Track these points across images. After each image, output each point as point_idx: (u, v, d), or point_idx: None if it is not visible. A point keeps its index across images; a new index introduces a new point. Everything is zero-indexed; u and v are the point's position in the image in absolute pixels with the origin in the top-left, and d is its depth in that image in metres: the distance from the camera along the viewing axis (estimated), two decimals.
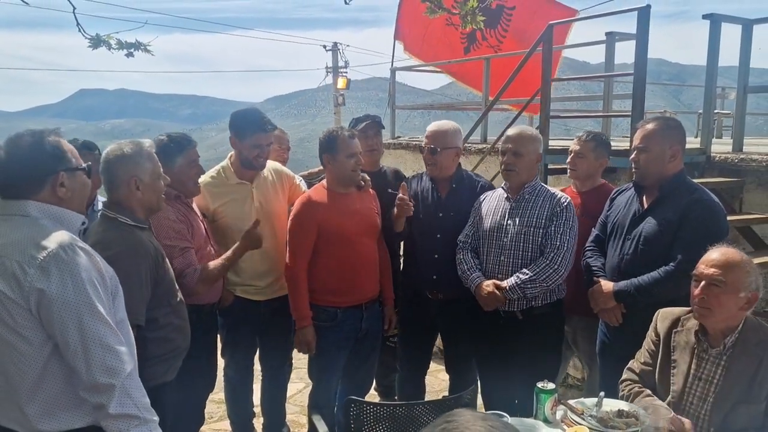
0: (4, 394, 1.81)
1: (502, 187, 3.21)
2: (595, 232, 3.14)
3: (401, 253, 3.66)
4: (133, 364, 1.84)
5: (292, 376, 4.18)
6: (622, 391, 2.42)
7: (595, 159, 3.47)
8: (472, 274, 3.12)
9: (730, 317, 2.18)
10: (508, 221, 3.07)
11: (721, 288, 2.15)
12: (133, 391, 1.80)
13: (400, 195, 3.23)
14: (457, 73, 8.61)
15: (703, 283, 2.19)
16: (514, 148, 3.09)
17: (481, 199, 3.27)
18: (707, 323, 2.23)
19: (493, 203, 3.19)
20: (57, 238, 1.78)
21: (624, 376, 2.48)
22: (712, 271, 2.17)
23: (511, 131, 3.22)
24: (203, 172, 3.11)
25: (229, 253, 2.97)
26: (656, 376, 2.36)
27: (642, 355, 2.45)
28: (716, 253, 2.20)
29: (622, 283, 2.83)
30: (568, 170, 3.52)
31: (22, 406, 1.78)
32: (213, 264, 2.93)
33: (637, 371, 2.43)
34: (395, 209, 3.26)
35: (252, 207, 3.31)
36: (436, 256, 3.29)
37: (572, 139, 3.65)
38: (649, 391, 2.33)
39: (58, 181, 1.87)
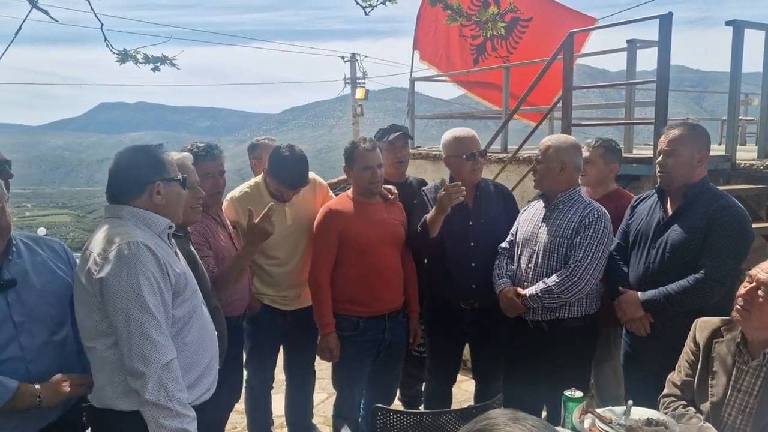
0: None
1: (540, 196, 3.22)
2: (616, 241, 3.10)
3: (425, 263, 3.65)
4: (173, 356, 1.97)
5: (315, 386, 4.18)
6: (665, 407, 2.36)
7: (604, 165, 3.49)
8: (499, 279, 3.14)
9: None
10: (540, 229, 3.06)
11: (765, 296, 2.12)
12: (169, 384, 1.94)
13: (446, 185, 3.07)
14: (469, 85, 8.62)
15: (753, 284, 2.17)
16: (537, 154, 3.11)
17: (525, 208, 3.29)
18: (744, 327, 2.21)
19: (532, 212, 3.19)
20: (127, 236, 1.99)
21: (666, 390, 2.43)
22: (765, 276, 2.14)
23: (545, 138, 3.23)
24: (221, 186, 3.12)
25: (239, 251, 2.95)
26: (695, 387, 2.32)
27: (682, 365, 2.41)
28: None
29: (651, 293, 2.80)
30: (579, 177, 3.53)
31: (98, 379, 2.03)
32: (223, 268, 2.92)
33: (679, 383, 2.38)
34: (436, 206, 3.11)
35: (285, 226, 3.32)
36: (473, 264, 3.27)
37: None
38: (693, 410, 2.26)
39: (155, 189, 2.11)
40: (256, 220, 2.78)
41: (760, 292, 2.14)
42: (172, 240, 2.23)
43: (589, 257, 2.88)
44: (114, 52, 3.49)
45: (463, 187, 3.07)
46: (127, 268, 1.93)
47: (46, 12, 3.29)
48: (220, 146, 3.21)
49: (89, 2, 3.44)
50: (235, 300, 3.06)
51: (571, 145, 3.08)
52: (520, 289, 3.03)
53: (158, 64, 3.51)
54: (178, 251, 2.25)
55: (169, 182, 2.16)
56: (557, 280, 2.90)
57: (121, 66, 3.64)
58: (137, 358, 1.91)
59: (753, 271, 2.20)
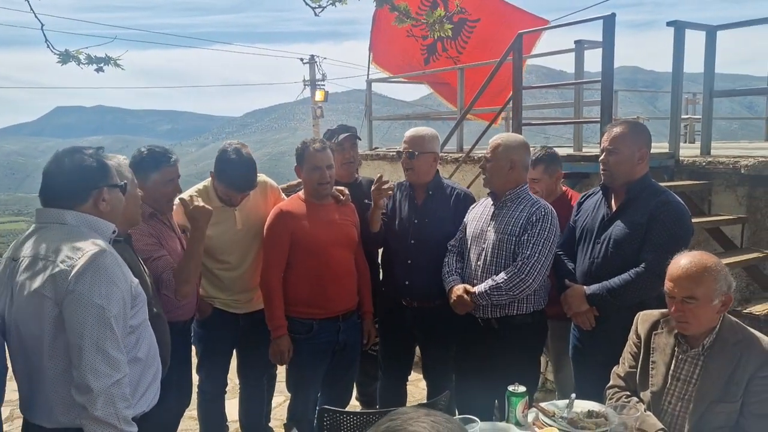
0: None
1: (489, 193, 3.23)
2: (563, 237, 3.17)
3: (380, 262, 3.67)
4: (125, 372, 1.92)
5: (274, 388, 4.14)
6: (610, 398, 2.43)
7: (549, 178, 3.59)
8: (449, 277, 3.15)
9: (710, 321, 2.21)
10: (489, 227, 3.08)
11: (693, 303, 2.17)
12: (118, 401, 1.89)
13: (376, 182, 3.24)
14: (432, 84, 8.69)
15: (675, 299, 2.21)
16: (487, 153, 3.13)
17: (473, 205, 3.30)
18: (689, 333, 2.26)
19: (480, 209, 3.21)
20: (92, 243, 1.93)
21: (611, 382, 2.50)
22: (678, 291, 2.19)
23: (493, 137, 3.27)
24: (180, 192, 3.07)
25: (189, 239, 2.87)
26: (637, 378, 2.39)
27: (625, 358, 2.48)
28: (682, 267, 2.20)
29: (595, 287, 2.86)
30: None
31: (49, 398, 1.94)
32: (179, 262, 2.86)
33: (623, 375, 2.45)
34: (373, 202, 3.27)
35: (235, 230, 3.30)
36: (409, 261, 3.31)
37: (550, 147, 3.71)
38: (636, 400, 2.34)
39: (101, 195, 2.04)
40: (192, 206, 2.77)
41: (687, 302, 2.18)
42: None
43: (537, 254, 2.92)
44: (55, 53, 3.40)
45: (388, 184, 3.25)
46: (96, 276, 1.87)
47: None
48: (182, 150, 3.15)
49: (29, 2, 3.35)
50: (182, 305, 3.01)
51: (521, 144, 3.12)
52: (468, 287, 3.05)
53: (102, 65, 3.43)
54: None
55: (113, 189, 2.10)
56: (506, 277, 2.93)
57: (71, 69, 3.57)
58: (89, 371, 1.84)
59: (667, 287, 2.24)
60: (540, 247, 2.93)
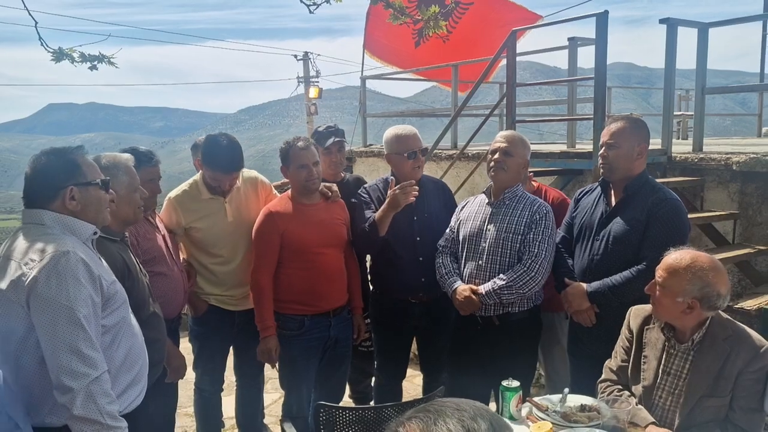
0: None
1: (484, 192, 3.21)
2: (561, 233, 3.16)
3: (369, 261, 3.66)
4: (103, 369, 1.92)
5: (268, 386, 4.16)
6: (602, 392, 2.45)
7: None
8: (449, 278, 3.12)
9: (675, 318, 2.25)
10: (488, 226, 3.06)
11: (660, 290, 2.25)
12: (99, 397, 1.89)
13: (394, 187, 3.14)
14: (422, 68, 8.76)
15: (653, 280, 2.30)
16: (506, 147, 3.06)
17: (463, 204, 3.29)
18: (656, 316, 2.34)
19: (474, 208, 3.19)
20: (56, 245, 1.93)
21: (603, 376, 2.52)
22: (659, 273, 2.27)
23: (503, 132, 3.25)
24: (159, 191, 3.12)
25: None
26: (629, 372, 2.42)
27: (618, 352, 2.51)
28: (671, 257, 2.25)
29: (596, 284, 2.86)
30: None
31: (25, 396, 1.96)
32: None
33: (615, 369, 2.48)
34: (387, 202, 3.15)
35: (226, 223, 3.32)
36: (420, 259, 3.29)
37: (544, 143, 3.71)
38: (627, 394, 2.37)
39: (68, 194, 2.05)
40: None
41: (657, 287, 2.27)
42: (94, 247, 2.17)
43: (543, 252, 2.95)
44: (49, 51, 3.39)
45: (416, 186, 3.14)
46: (58, 279, 1.88)
47: None
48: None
49: (23, 0, 3.35)
50: (163, 303, 2.96)
51: (528, 145, 3.16)
52: (474, 287, 3.01)
53: (95, 63, 3.43)
54: (101, 258, 2.19)
55: (86, 187, 2.09)
56: (515, 276, 2.93)
57: (63, 66, 3.56)
58: (64, 373, 1.85)
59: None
60: (546, 245, 2.96)
